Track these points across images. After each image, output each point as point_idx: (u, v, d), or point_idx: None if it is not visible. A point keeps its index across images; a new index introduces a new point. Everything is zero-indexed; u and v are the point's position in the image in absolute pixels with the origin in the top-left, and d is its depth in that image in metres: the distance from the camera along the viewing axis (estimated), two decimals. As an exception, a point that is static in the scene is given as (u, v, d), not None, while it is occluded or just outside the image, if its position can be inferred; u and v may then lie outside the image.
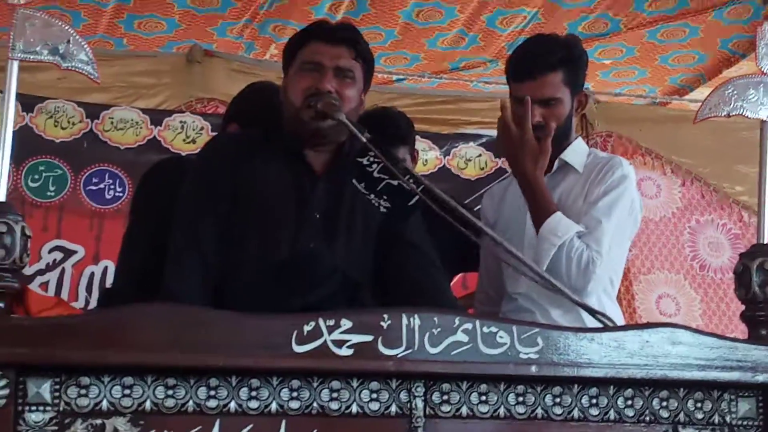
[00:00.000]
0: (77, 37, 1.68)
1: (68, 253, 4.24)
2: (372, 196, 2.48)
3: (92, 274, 4.23)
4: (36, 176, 4.26)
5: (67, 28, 1.68)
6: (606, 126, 5.10)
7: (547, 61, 2.66)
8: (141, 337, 1.58)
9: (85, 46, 1.69)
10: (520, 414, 1.73)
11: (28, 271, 4.08)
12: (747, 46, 5.14)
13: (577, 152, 2.77)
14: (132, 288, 2.69)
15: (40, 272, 4.18)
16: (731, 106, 1.97)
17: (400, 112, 3.36)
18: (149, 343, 1.58)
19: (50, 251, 4.22)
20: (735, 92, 1.97)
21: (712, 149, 5.14)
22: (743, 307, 1.94)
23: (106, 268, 4.18)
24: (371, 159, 2.48)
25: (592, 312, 2.17)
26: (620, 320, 2.61)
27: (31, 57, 1.67)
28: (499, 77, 5.27)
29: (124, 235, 2.86)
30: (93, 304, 4.12)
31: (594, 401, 1.77)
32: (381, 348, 1.66)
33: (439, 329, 1.69)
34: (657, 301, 4.97)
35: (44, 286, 4.15)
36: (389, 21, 4.89)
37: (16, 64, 1.68)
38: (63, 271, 4.22)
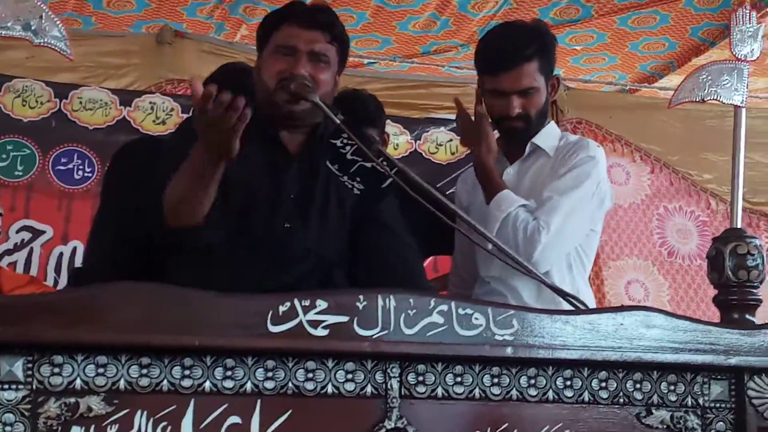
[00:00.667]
0: (50, 13, 1.66)
1: (36, 233, 4.20)
2: (345, 177, 2.47)
3: (61, 254, 4.20)
4: (4, 155, 4.21)
5: (39, 3, 1.66)
6: (576, 113, 5.12)
7: (522, 53, 2.68)
8: (115, 315, 1.57)
9: (58, 22, 1.67)
10: (495, 395, 1.74)
11: (-6, 250, 4.05)
12: (717, 34, 5.17)
13: (548, 136, 2.79)
14: (102, 269, 2.67)
15: (8, 252, 4.13)
16: (705, 91, 1.98)
17: (370, 94, 3.35)
18: (123, 322, 1.57)
19: (18, 231, 4.17)
20: (709, 78, 1.99)
21: (681, 137, 5.18)
22: (711, 294, 1.96)
23: (75, 249, 4.15)
24: (345, 141, 2.48)
25: (564, 294, 2.18)
26: (593, 304, 2.63)
27: (3, 32, 1.65)
28: (469, 62, 5.26)
29: (94, 215, 2.84)
30: (62, 284, 4.09)
31: (568, 383, 1.78)
32: (356, 329, 1.66)
33: (414, 310, 1.69)
34: (626, 286, 5.01)
35: (12, 266, 4.11)
36: (361, 3, 4.87)
37: (-12, 39, 1.65)
38: (31, 251, 4.18)
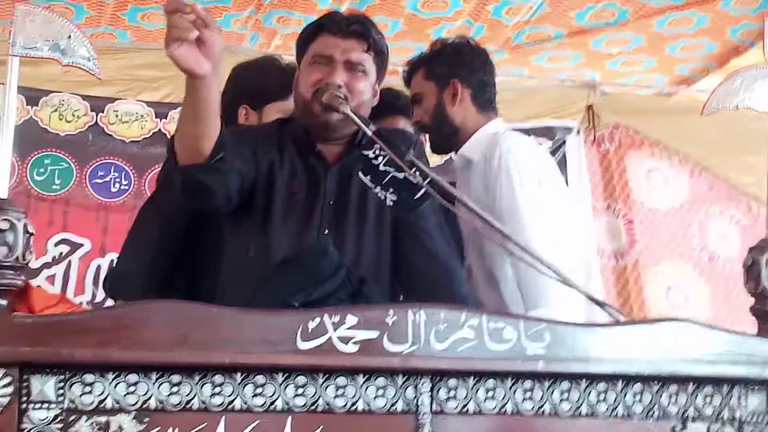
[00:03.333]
0: (78, 32, 1.67)
1: (74, 246, 4.25)
2: (378, 188, 2.47)
3: (99, 267, 4.24)
4: (41, 170, 4.26)
5: (67, 23, 1.67)
6: (612, 117, 5.08)
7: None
8: (145, 333, 1.57)
9: (86, 41, 1.68)
10: (527, 410, 1.71)
11: (34, 264, 4.09)
12: (756, 34, 5.10)
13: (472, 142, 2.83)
14: (141, 269, 2.67)
15: (47, 265, 4.18)
16: (739, 97, 1.95)
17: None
18: (154, 340, 1.57)
19: (56, 244, 4.22)
20: (743, 84, 1.95)
21: (720, 140, 5.12)
22: (753, 299, 1.92)
23: (112, 261, 4.18)
24: (377, 152, 2.48)
25: (599, 303, 2.16)
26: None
27: (32, 53, 1.66)
28: (503, 67, 5.26)
29: (139, 210, 2.85)
30: (100, 297, 4.12)
31: (602, 397, 1.75)
32: (386, 344, 1.65)
33: (445, 325, 1.67)
34: (666, 292, 4.96)
35: (50, 279, 4.16)
36: (394, 11, 4.86)
37: (16, 61, 1.66)
38: (69, 264, 4.22)
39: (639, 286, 4.88)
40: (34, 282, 4.05)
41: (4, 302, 1.58)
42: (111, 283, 2.80)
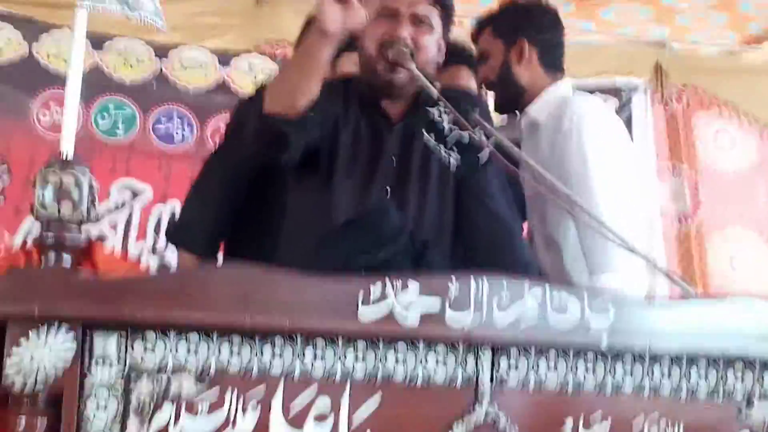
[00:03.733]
0: (145, -14, 1.65)
1: (137, 193, 4.27)
2: (441, 147, 2.45)
3: (161, 213, 4.26)
4: (105, 115, 4.27)
5: (135, -22, 1.65)
6: (681, 77, 4.97)
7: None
8: (207, 296, 1.56)
9: (154, -4, 1.66)
10: (589, 385, 1.69)
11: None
12: (835, -10, 4.95)
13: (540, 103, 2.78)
14: (204, 220, 2.68)
15: (109, 211, 4.21)
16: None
17: None
18: (215, 303, 1.57)
19: (119, 190, 4.24)
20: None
21: (791, 102, 5.00)
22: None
23: (174, 209, 4.20)
24: (441, 110, 2.45)
25: (667, 275, 2.12)
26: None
27: (100, 6, 1.65)
28: (569, 20, 5.15)
29: (206, 159, 2.85)
30: (161, 244, 4.15)
31: (666, 374, 1.72)
32: (448, 313, 1.63)
33: (507, 295, 1.65)
34: (730, 257, 4.87)
35: (113, 225, 4.19)
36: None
37: (84, 14, 1.65)
38: (132, 210, 4.24)
39: (702, 251, 4.80)
40: (96, 227, 4.10)
41: (69, 258, 1.58)
42: (173, 233, 2.81)
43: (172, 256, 3.74)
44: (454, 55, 2.91)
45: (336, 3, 2.08)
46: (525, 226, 2.77)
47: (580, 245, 2.57)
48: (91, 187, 1.60)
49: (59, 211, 1.53)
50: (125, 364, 1.55)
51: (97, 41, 4.19)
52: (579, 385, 1.68)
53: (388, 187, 2.37)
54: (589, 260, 2.56)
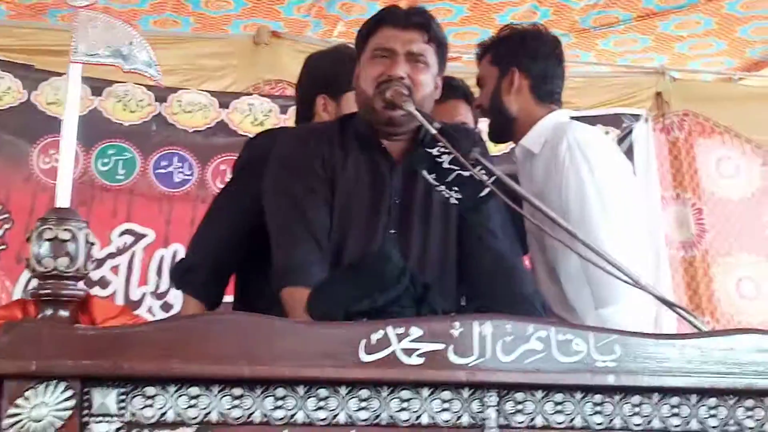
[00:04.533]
0: (139, 38, 1.65)
1: (138, 237, 4.27)
2: (442, 187, 2.43)
3: (162, 257, 4.25)
4: (105, 160, 4.28)
5: (129, 29, 1.65)
6: (682, 104, 4.97)
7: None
8: (207, 346, 1.55)
9: (147, 46, 1.66)
10: (597, 424, 1.66)
11: (98, 254, 4.12)
12: (832, 15, 4.97)
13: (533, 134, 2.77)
14: (208, 262, 2.67)
15: (111, 256, 4.21)
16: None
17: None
18: (215, 353, 1.55)
19: (120, 235, 4.25)
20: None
21: (793, 127, 5.00)
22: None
23: (175, 252, 4.20)
24: (441, 149, 2.44)
25: (671, 306, 2.10)
26: None
27: (93, 60, 1.64)
28: (571, 51, 5.17)
29: (214, 198, 2.84)
30: (163, 287, 4.14)
31: (675, 411, 1.69)
32: (452, 357, 1.61)
33: (512, 337, 1.63)
34: (737, 283, 4.85)
35: (115, 269, 4.18)
36: (459, -3, 4.81)
37: (78, 67, 1.64)
38: (133, 254, 4.24)
39: (709, 278, 4.78)
40: (98, 273, 4.09)
41: (65, 313, 1.58)
42: (178, 277, 2.80)
43: (175, 300, 3.73)
44: (451, 89, 2.91)
45: None
46: (527, 258, 2.75)
47: (585, 276, 2.55)
48: (87, 240, 1.59)
49: (55, 267, 1.52)
50: (125, 419, 1.53)
51: (96, 87, 4.21)
52: (587, 425, 1.65)
53: (392, 230, 2.35)
54: (595, 292, 2.54)
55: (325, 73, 2.92)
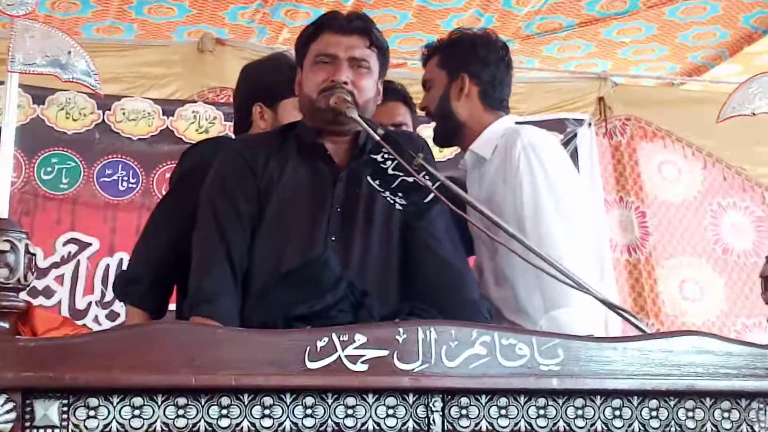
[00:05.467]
0: (78, 47, 1.63)
1: (83, 246, 4.22)
2: (387, 193, 2.44)
3: (107, 266, 4.21)
4: (49, 168, 4.23)
5: (67, 38, 1.63)
6: (624, 109, 5.03)
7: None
8: (150, 356, 1.54)
9: (86, 56, 1.64)
10: (541, 427, 1.68)
11: (43, 264, 4.07)
12: (769, 22, 5.06)
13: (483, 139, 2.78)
14: (151, 273, 2.65)
15: (55, 265, 4.15)
16: (755, 104, 1.91)
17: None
18: (158, 363, 1.54)
19: (65, 244, 4.19)
20: (759, 90, 1.92)
21: (733, 131, 5.00)
22: (768, 293, 1.87)
23: (121, 260, 4.16)
24: (385, 155, 2.44)
25: (615, 309, 2.12)
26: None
27: (31, 69, 1.62)
28: (516, 57, 5.20)
29: (154, 209, 2.82)
30: (109, 296, 4.10)
31: (617, 413, 1.71)
32: (397, 362, 1.61)
33: (456, 342, 1.64)
34: (680, 285, 4.91)
35: (59, 279, 4.13)
36: (403, 3, 4.82)
37: (15, 77, 1.62)
38: (78, 263, 4.19)
39: (653, 280, 4.83)
40: (42, 282, 4.04)
41: (6, 325, 1.55)
42: (120, 288, 2.77)
43: (121, 309, 3.69)
44: (389, 91, 2.92)
45: None
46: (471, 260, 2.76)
47: (536, 279, 2.56)
48: (27, 251, 1.57)
49: (-6, 277, 1.50)
50: (68, 431, 1.52)
51: (38, 96, 4.16)
52: (532, 428, 1.67)
53: (333, 237, 2.35)
54: (546, 295, 2.56)
55: (261, 81, 2.92)
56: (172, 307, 2.73)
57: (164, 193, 3.06)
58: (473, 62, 2.80)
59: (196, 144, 3.01)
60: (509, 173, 2.64)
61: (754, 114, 1.91)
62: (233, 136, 3.01)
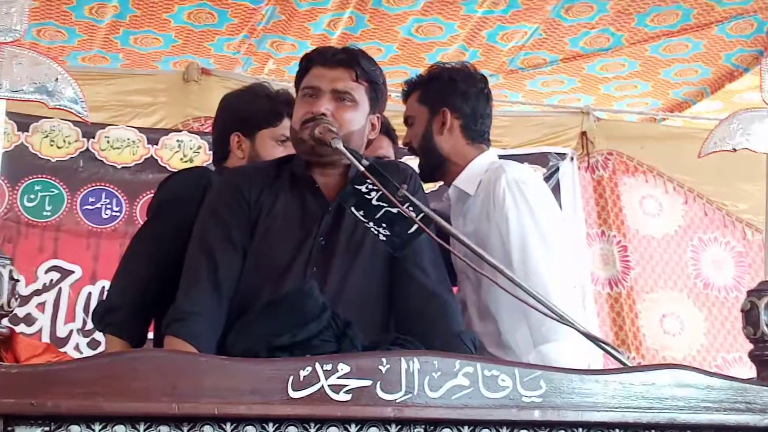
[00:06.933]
0: (65, 74, 1.64)
1: (65, 273, 4.20)
2: (371, 224, 2.44)
3: (89, 294, 4.19)
4: (32, 196, 4.22)
5: (54, 65, 1.64)
6: (606, 144, 5.07)
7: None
8: (133, 384, 1.53)
9: (74, 83, 1.64)
10: (523, 459, 1.68)
11: (24, 291, 4.05)
12: (750, 60, 5.11)
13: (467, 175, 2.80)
14: (129, 302, 2.65)
15: (37, 293, 4.14)
16: (736, 140, 1.93)
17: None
18: (141, 391, 1.53)
19: (47, 271, 4.18)
20: (740, 126, 1.94)
21: (715, 166, 5.06)
22: (752, 344, 1.88)
23: (103, 288, 4.14)
24: (369, 186, 2.45)
25: (596, 342, 2.13)
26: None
27: (18, 96, 1.63)
28: (500, 91, 5.24)
29: (132, 239, 2.82)
30: (90, 324, 4.07)
31: (599, 445, 1.72)
32: (380, 392, 1.61)
33: (439, 373, 1.64)
34: (661, 319, 4.93)
35: (41, 306, 4.12)
36: (388, 36, 4.85)
37: (2, 103, 1.63)
38: (60, 291, 4.18)
39: (634, 314, 4.85)
40: (24, 310, 4.02)
41: (-12, 351, 1.55)
42: (99, 317, 2.76)
43: (102, 337, 3.67)
44: None
45: None
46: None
47: (524, 314, 2.57)
48: (11, 277, 1.57)
49: (-23, 303, 1.49)
50: (49, 459, 1.51)
51: (23, 123, 4.16)
52: (513, 461, 1.67)
53: (314, 268, 2.36)
54: (534, 329, 2.56)
55: (239, 111, 2.94)
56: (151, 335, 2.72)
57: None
58: (454, 96, 2.82)
59: (172, 174, 3.01)
60: (493, 209, 2.66)
61: (735, 150, 1.93)
62: (213, 167, 3.01)
